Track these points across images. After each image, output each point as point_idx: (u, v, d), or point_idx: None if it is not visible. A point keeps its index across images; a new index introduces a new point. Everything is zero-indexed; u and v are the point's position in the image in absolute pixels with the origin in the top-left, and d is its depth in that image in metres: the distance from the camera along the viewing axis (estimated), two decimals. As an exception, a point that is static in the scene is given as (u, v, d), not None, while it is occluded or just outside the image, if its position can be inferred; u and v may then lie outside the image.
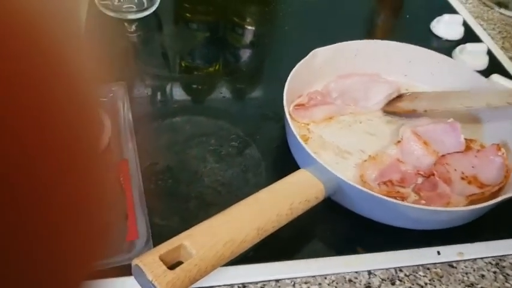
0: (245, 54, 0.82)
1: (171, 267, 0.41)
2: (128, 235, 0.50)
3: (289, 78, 0.63)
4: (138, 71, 0.73)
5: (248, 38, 0.85)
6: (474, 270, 0.53)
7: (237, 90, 0.74)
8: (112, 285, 0.48)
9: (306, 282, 0.50)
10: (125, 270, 0.47)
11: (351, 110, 0.67)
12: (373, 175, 0.59)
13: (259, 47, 0.83)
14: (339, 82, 0.69)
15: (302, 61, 0.66)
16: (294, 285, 0.50)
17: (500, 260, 0.54)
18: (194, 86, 0.73)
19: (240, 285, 0.49)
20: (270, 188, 0.50)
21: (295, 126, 0.62)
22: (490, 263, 0.54)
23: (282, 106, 0.59)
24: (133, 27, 0.83)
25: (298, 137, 0.56)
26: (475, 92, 0.66)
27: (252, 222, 0.46)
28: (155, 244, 0.46)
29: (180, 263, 0.43)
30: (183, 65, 0.78)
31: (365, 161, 0.60)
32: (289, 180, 0.52)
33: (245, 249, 0.46)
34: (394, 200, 0.51)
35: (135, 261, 0.41)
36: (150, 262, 0.40)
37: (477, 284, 0.52)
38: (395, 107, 0.68)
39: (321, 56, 0.68)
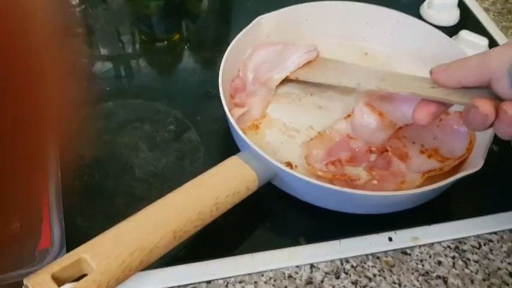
0: (196, 22, 0.75)
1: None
2: (41, 243, 0.46)
3: (227, 51, 0.57)
4: (72, 51, 0.67)
5: (206, 3, 0.78)
6: (430, 257, 0.48)
7: (177, 66, 0.68)
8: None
9: (240, 282, 0.46)
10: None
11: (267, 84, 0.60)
12: (319, 155, 0.53)
13: (212, 14, 0.76)
14: (253, 57, 0.61)
15: (244, 30, 0.60)
16: (226, 285, 0.45)
17: (460, 243, 0.49)
18: (133, 66, 0.67)
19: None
20: (193, 182, 0.45)
21: (232, 104, 0.57)
22: (448, 247, 0.49)
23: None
24: (76, 1, 0.77)
25: (230, 117, 0.50)
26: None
27: (167, 224, 0.41)
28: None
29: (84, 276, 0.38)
30: (127, 40, 0.72)
31: (311, 139, 0.55)
32: (216, 171, 0.46)
33: (161, 255, 0.41)
34: (336, 187, 0.45)
35: (25, 280, 0.36)
36: (39, 282, 0.36)
37: (433, 272, 0.47)
38: (300, 74, 0.60)
39: (266, 23, 0.62)
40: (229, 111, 0.51)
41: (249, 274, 0.46)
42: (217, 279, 0.45)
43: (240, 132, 0.48)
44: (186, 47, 0.69)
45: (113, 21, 0.73)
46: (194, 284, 0.45)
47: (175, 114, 0.59)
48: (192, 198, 0.43)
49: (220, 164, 0.47)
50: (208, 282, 0.45)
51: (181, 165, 0.54)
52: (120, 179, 0.53)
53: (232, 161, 0.47)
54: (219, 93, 0.52)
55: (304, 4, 0.64)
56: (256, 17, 0.61)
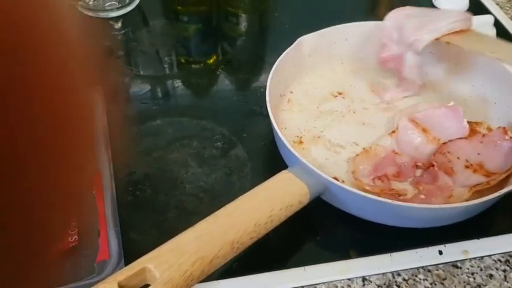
0: (235, 44, 0.77)
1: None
2: (99, 255, 0.47)
3: (272, 70, 0.58)
4: (117, 72, 0.70)
5: (243, 25, 0.80)
6: (481, 270, 0.48)
7: (220, 86, 0.69)
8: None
9: (294, 294, 0.46)
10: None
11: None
12: (366, 170, 0.54)
13: (249, 36, 0.79)
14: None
15: (287, 51, 0.61)
16: (280, 298, 0.46)
17: (510, 256, 0.49)
18: (177, 85, 0.69)
19: (224, 301, 0.46)
20: (247, 195, 0.46)
21: (281, 122, 0.58)
22: (499, 260, 0.49)
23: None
24: (119, 25, 0.80)
25: (279, 133, 0.51)
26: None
27: (225, 235, 0.42)
28: (128, 264, 0.43)
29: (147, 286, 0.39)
30: (169, 61, 0.74)
31: (357, 155, 0.56)
32: (269, 184, 0.47)
33: (220, 265, 0.42)
34: (387, 200, 0.46)
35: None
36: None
37: (485, 286, 0.47)
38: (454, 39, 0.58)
39: (307, 43, 0.63)
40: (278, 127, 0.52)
41: (302, 287, 0.47)
42: (270, 291, 0.46)
43: (290, 147, 0.50)
44: (225, 67, 0.71)
45: (155, 43, 0.75)
46: (249, 295, 0.46)
47: (222, 131, 0.61)
48: (248, 210, 0.44)
49: (272, 178, 0.48)
50: (263, 293, 0.46)
51: (229, 181, 0.55)
52: (171, 194, 0.54)
53: (284, 175, 0.49)
54: (266, 110, 0.53)
55: (344, 25, 0.66)
56: (290, 37, 0.62)
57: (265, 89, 0.55)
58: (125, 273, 0.38)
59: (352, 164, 0.55)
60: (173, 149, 0.59)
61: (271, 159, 0.57)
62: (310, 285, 0.47)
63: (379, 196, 0.50)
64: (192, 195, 0.54)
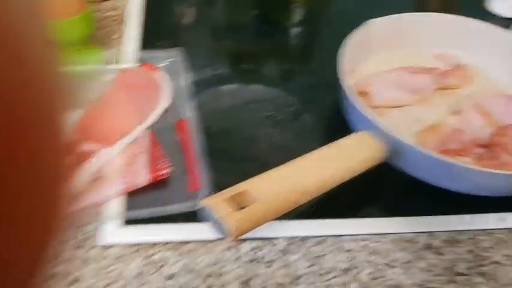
0: (298, 29, 0.82)
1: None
2: (190, 186, 0.51)
3: (344, 47, 0.63)
4: (196, 40, 0.75)
5: (298, 13, 0.85)
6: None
7: (290, 62, 0.74)
8: (177, 230, 0.49)
9: (364, 240, 0.50)
10: (189, 217, 0.49)
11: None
12: (432, 144, 0.58)
13: (311, 22, 0.83)
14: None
15: (357, 30, 0.66)
16: (354, 241, 0.50)
17: None
18: (249, 57, 0.73)
19: (301, 238, 0.49)
20: (332, 145, 0.50)
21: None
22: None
23: (335, 76, 0.59)
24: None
25: (356, 100, 0.55)
26: None
27: (315, 174, 0.46)
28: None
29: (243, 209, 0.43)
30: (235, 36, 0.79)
31: (424, 130, 0.60)
32: (350, 140, 0.51)
33: (307, 200, 0.46)
34: (461, 163, 0.50)
35: (203, 203, 0.42)
36: (216, 203, 0.41)
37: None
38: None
39: (375, 26, 0.68)
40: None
41: (373, 234, 0.50)
42: (345, 235, 0.50)
43: (368, 113, 0.54)
44: (298, 42, 0.76)
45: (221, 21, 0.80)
46: (325, 236, 0.50)
47: (293, 99, 0.65)
48: (333, 157, 0.48)
49: (350, 136, 0.52)
50: (338, 236, 0.50)
51: (300, 142, 0.60)
52: (248, 148, 0.58)
53: (362, 135, 0.52)
54: (331, 84, 0.58)
55: (414, 13, 0.70)
56: (345, 27, 0.66)
57: (326, 68, 0.60)
58: (228, 193, 0.42)
59: (420, 137, 0.59)
60: (248, 109, 0.63)
61: (337, 127, 0.61)
62: (380, 233, 0.50)
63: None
64: (267, 151, 0.58)
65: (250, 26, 0.81)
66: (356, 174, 0.50)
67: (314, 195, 0.47)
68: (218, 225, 0.40)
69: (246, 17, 0.83)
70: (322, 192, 0.47)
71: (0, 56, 0.13)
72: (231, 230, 0.39)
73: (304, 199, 0.46)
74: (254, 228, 0.41)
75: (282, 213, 0.44)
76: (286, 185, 0.44)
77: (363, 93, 0.62)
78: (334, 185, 0.48)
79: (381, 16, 0.68)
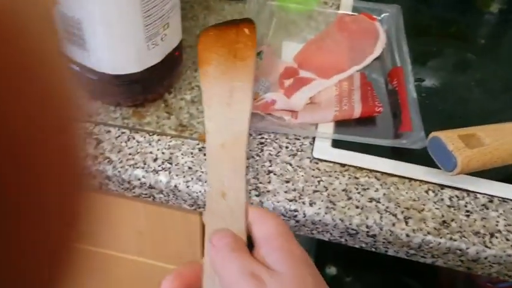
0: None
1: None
2: (402, 127, 0.54)
3: None
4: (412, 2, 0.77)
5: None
6: None
7: (498, 42, 0.74)
8: (382, 163, 0.52)
9: None
10: (396, 154, 0.52)
11: None
12: None
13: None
14: None
15: None
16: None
17: None
18: (460, 26, 0.74)
19: (501, 199, 0.50)
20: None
21: None
22: None
23: None
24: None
25: None
26: None
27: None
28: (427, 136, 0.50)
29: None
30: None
31: None
32: None
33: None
34: None
35: (434, 134, 0.44)
36: (450, 136, 0.43)
37: None
38: None
39: None
40: None
41: None
42: (547, 207, 0.50)
43: None
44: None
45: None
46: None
47: (504, 73, 0.65)
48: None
49: None
50: (540, 206, 0.50)
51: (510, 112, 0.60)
52: (455, 107, 0.60)
53: None
54: None
55: None
56: None
57: None
58: (461, 131, 0.44)
59: None
60: (458, 73, 0.64)
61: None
62: None
63: None
64: (475, 113, 0.59)
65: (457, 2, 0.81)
66: None
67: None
68: (446, 157, 0.43)
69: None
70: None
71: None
72: (462, 163, 0.42)
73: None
74: (480, 169, 0.43)
75: (506, 163, 0.45)
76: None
77: None
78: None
79: None
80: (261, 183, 0.50)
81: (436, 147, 0.44)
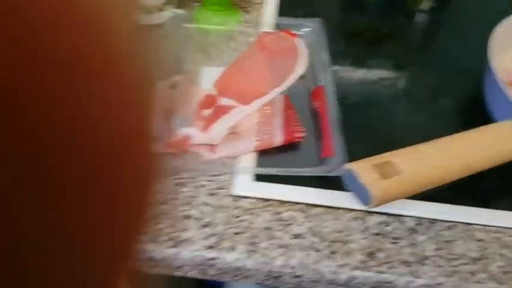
0: (433, 14, 0.80)
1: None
2: (323, 152, 0.52)
3: (493, 35, 0.60)
4: (332, 12, 0.74)
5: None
6: None
7: (427, 44, 0.72)
8: (306, 193, 0.50)
9: (498, 232, 0.48)
10: (319, 182, 0.49)
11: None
12: None
13: (448, 6, 0.80)
14: None
15: (508, 18, 0.62)
16: (485, 232, 0.48)
17: None
18: (383, 35, 0.72)
19: (429, 221, 0.49)
20: (478, 130, 0.49)
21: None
22: None
23: (476, 63, 0.57)
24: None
25: (506, 89, 0.53)
26: None
27: (461, 156, 0.45)
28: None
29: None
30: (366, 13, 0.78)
31: None
32: (497, 127, 0.50)
33: (449, 181, 0.45)
34: None
35: (348, 166, 0.42)
36: (363, 168, 0.41)
37: None
38: None
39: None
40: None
41: (508, 228, 0.48)
42: (476, 224, 0.48)
43: (518, 100, 0.51)
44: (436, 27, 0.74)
45: None
46: (455, 222, 0.49)
47: (428, 81, 0.63)
48: (481, 141, 0.47)
49: (497, 123, 0.51)
50: (468, 224, 0.48)
51: (436, 124, 0.58)
52: (380, 122, 0.58)
53: (509, 124, 0.50)
54: (474, 72, 0.56)
55: None
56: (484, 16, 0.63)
57: (471, 54, 0.58)
58: (375, 160, 0.42)
59: None
60: (382, 85, 0.62)
61: (477, 114, 0.58)
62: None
63: None
64: (400, 127, 0.57)
65: (387, 5, 0.80)
66: (501, 162, 0.48)
67: (457, 177, 0.46)
68: (360, 190, 0.41)
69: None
70: (464, 175, 0.46)
71: (83, 42, 0.12)
72: (375, 196, 0.39)
73: (447, 179, 0.45)
74: (396, 199, 0.41)
75: (423, 190, 0.43)
76: (432, 162, 0.44)
77: (508, 84, 0.59)
78: (479, 170, 0.47)
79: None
80: (176, 231, 0.47)
81: (351, 179, 0.42)
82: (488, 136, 0.48)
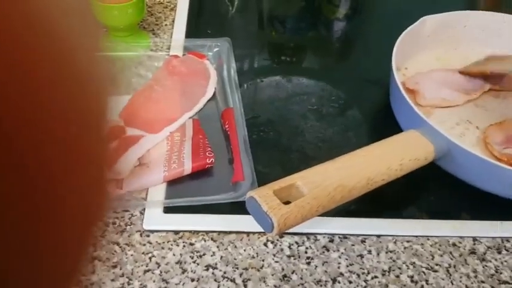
0: (343, 23, 0.81)
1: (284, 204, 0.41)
2: (234, 177, 0.51)
3: (397, 42, 0.61)
4: (241, 29, 0.74)
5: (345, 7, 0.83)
6: None
7: (335, 56, 0.73)
8: (218, 221, 0.49)
9: (408, 241, 0.49)
10: (231, 208, 0.49)
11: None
12: (498, 139, 0.57)
13: (358, 16, 0.82)
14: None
15: (411, 27, 0.64)
16: (395, 242, 0.49)
17: None
18: (293, 50, 0.73)
19: (341, 236, 0.49)
20: (381, 143, 0.49)
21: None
22: None
23: (380, 72, 0.58)
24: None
25: (407, 98, 0.54)
26: None
27: (363, 171, 0.45)
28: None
29: (289, 202, 0.43)
30: (281, 28, 0.78)
31: (491, 125, 0.58)
32: (399, 138, 0.51)
33: (353, 197, 0.45)
34: (509, 167, 0.48)
35: (250, 193, 0.41)
36: (265, 195, 0.41)
37: None
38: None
39: (429, 24, 0.66)
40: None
41: (416, 236, 0.49)
42: (386, 235, 0.49)
43: (419, 112, 0.52)
44: (346, 38, 0.75)
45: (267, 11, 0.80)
46: (366, 235, 0.49)
47: (338, 93, 0.64)
48: (382, 155, 0.48)
49: (400, 134, 0.52)
50: (378, 236, 0.49)
51: (346, 136, 0.59)
52: (292, 139, 0.58)
53: (412, 134, 0.51)
54: (380, 81, 0.57)
55: (467, 12, 0.68)
56: (392, 23, 0.65)
57: (380, 62, 0.59)
58: (278, 184, 0.42)
59: (486, 132, 0.57)
60: (293, 102, 0.63)
61: (386, 124, 0.60)
62: (424, 235, 0.49)
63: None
64: (312, 143, 0.58)
65: (296, 18, 0.80)
66: (404, 173, 0.49)
67: (362, 193, 0.46)
68: (263, 217, 0.40)
69: (293, 8, 0.82)
70: (369, 190, 0.46)
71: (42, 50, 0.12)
72: (278, 224, 0.39)
73: (351, 196, 0.45)
74: (300, 223, 0.41)
75: (328, 209, 0.43)
76: (335, 181, 0.44)
77: (411, 91, 0.61)
78: (382, 183, 0.47)
79: (431, 13, 0.66)
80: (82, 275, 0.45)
81: (253, 207, 0.41)
82: (391, 148, 0.49)
